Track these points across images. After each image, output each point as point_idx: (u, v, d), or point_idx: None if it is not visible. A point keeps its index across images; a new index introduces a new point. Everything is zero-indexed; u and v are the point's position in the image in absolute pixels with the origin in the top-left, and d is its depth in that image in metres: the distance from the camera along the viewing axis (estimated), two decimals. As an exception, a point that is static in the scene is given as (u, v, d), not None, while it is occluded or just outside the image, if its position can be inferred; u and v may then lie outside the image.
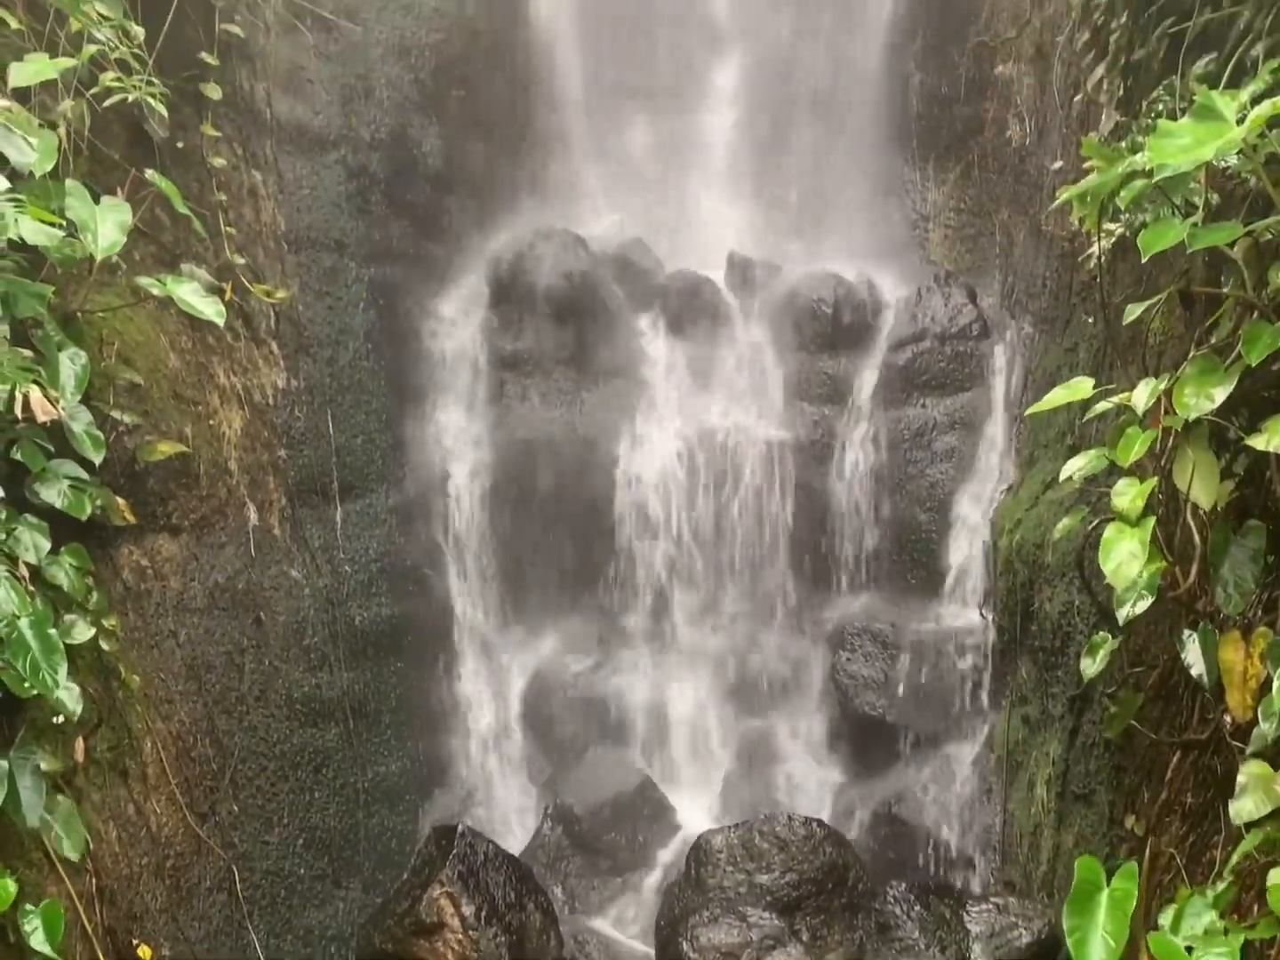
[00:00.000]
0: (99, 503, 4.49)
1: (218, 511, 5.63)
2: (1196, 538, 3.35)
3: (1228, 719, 3.24)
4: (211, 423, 5.60)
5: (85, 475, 4.38)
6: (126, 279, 5.00)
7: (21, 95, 4.40)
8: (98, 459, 4.37)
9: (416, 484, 7.13)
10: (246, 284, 6.00)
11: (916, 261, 7.58)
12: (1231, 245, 3.16)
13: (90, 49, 4.53)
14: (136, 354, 5.08)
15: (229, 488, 5.71)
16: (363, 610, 6.59)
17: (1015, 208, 6.81)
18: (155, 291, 4.62)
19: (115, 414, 4.80)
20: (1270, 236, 3.24)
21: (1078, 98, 5.51)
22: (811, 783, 6.91)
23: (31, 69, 4.27)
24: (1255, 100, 3.05)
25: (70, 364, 4.28)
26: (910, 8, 7.55)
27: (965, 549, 6.65)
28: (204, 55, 5.66)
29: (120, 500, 4.76)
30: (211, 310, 4.66)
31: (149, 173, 4.84)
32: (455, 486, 7.28)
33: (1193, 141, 2.75)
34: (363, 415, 6.83)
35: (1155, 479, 3.29)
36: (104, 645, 4.52)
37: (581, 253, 7.59)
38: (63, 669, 3.80)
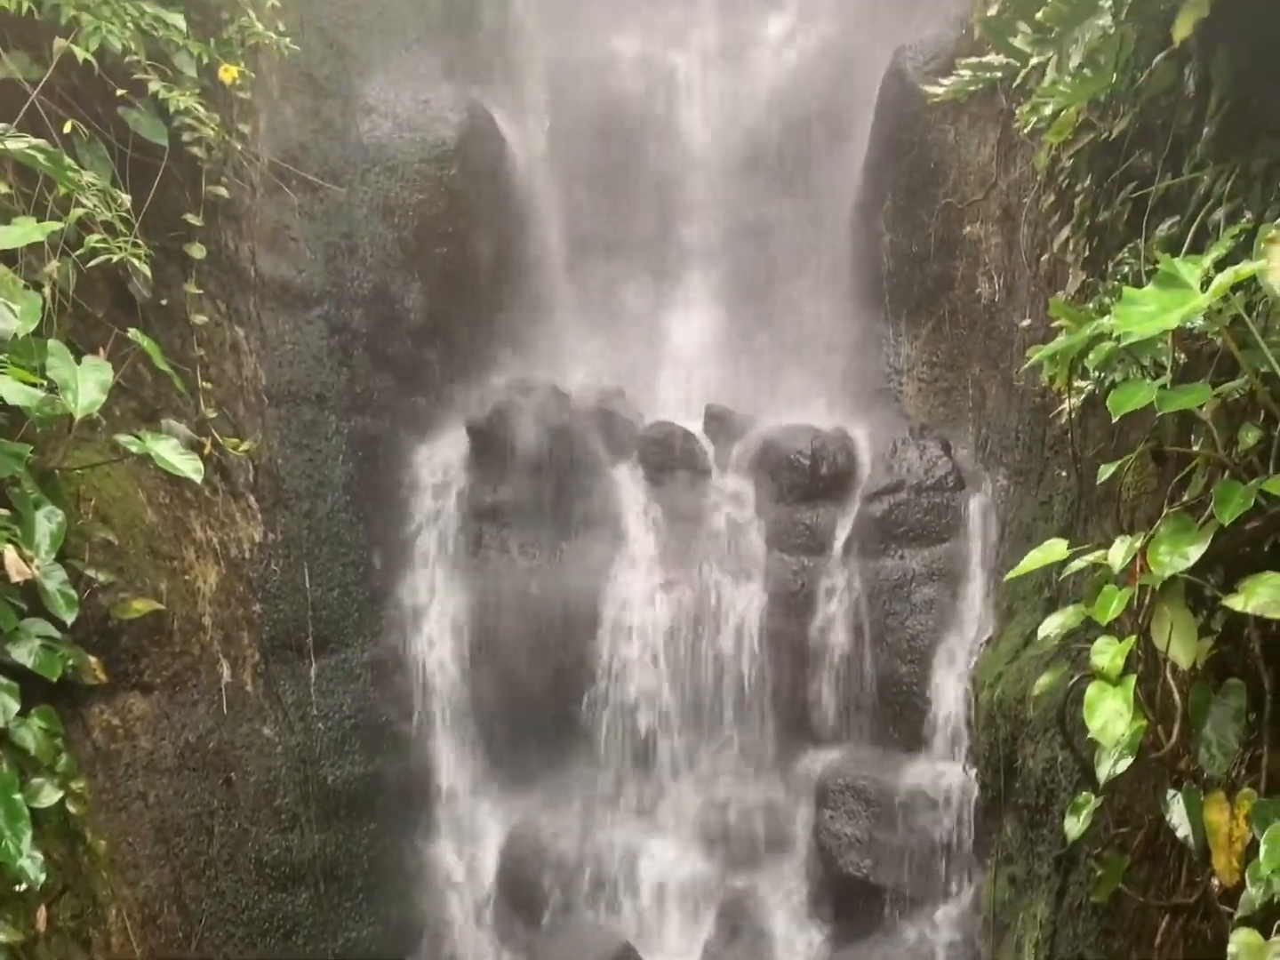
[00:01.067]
0: (71, 662, 4.43)
1: (190, 668, 5.56)
2: (1177, 696, 3.32)
3: (1215, 883, 3.17)
4: (187, 578, 5.57)
5: (57, 634, 4.33)
6: (106, 435, 5.02)
7: (8, 257, 4.47)
8: (70, 618, 4.33)
9: (392, 638, 7.08)
10: (225, 439, 6.03)
11: (892, 414, 7.68)
12: (1200, 406, 3.21)
13: (77, 212, 4.62)
14: (113, 510, 5.07)
15: (202, 644, 5.65)
16: (335, 769, 6.47)
17: (987, 362, 6.93)
18: (134, 449, 4.63)
19: (90, 571, 4.77)
20: (1238, 397, 3.28)
21: (1045, 257, 5.64)
22: (796, 945, 6.73)
23: (19, 232, 4.34)
24: (1218, 265, 3.12)
25: (46, 522, 4.26)
26: (879, 171, 7.77)
27: (947, 703, 6.60)
28: (189, 216, 5.78)
29: (92, 659, 4.70)
30: (189, 467, 4.67)
31: (131, 331, 4.89)
32: (432, 640, 7.23)
33: (1157, 309, 2.81)
34: (340, 568, 6.81)
35: (1134, 637, 3.28)
36: (71, 809, 4.41)
37: (561, 405, 7.68)
38: (27, 836, 3.71)
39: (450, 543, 7.46)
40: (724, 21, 9.29)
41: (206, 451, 5.71)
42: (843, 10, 8.85)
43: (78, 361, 4.40)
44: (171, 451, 4.67)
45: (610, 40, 9.26)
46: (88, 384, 4.28)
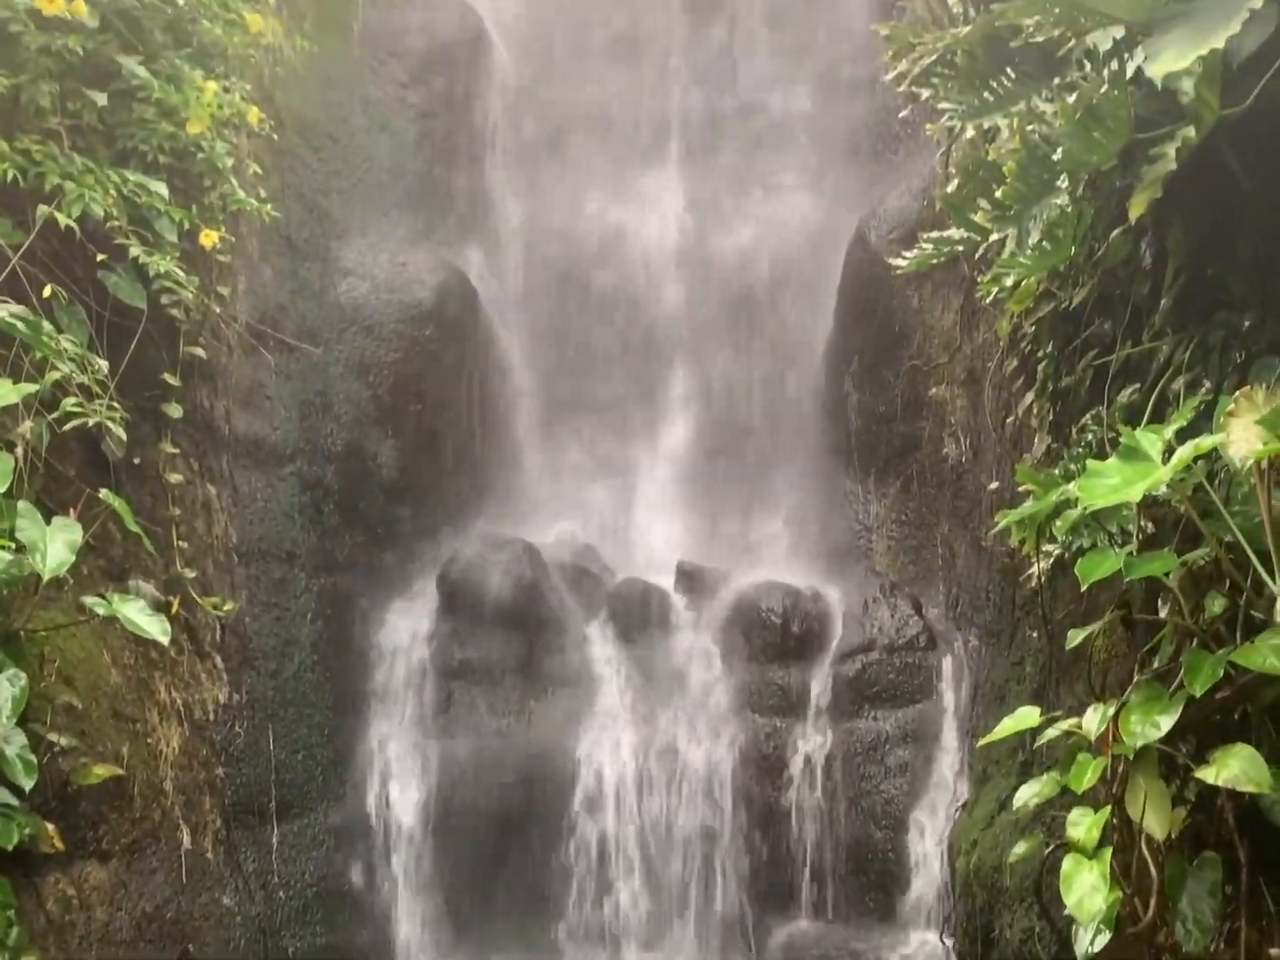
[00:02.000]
0: (27, 830, 4.32)
1: (150, 835, 5.41)
2: (1153, 868, 3.28)
3: (1200, 1061, 3.10)
4: (149, 741, 5.46)
5: (15, 801, 4.22)
6: (73, 595, 4.98)
7: (-19, 418, 4.49)
8: (29, 784, 4.22)
9: (357, 801, 6.93)
10: (194, 597, 5.98)
11: (863, 571, 7.71)
12: (1167, 573, 3.23)
13: (54, 375, 4.65)
14: (77, 671, 5.00)
15: (163, 809, 5.51)
16: (297, 940, 6.28)
17: (955, 521, 6.99)
18: (100, 611, 4.59)
19: (51, 736, 4.68)
20: (1203, 564, 3.32)
21: (1010, 420, 5.74)
22: None
23: (-6, 394, 4.37)
24: (1179, 435, 3.19)
25: (9, 686, 4.19)
26: (846, 333, 7.95)
27: (922, 870, 6.49)
28: (166, 376, 5.82)
29: (50, 826, 4.57)
30: (157, 629, 4.63)
31: (103, 492, 4.88)
32: (397, 804, 7.07)
33: (1121, 482, 2.85)
34: (305, 729, 6.70)
35: (1109, 807, 3.25)
36: (19, 985, 4.25)
37: (533, 561, 7.67)
38: (-29, 1017, 3.56)
39: (418, 702, 7.36)
40: (694, 186, 9.55)
41: (174, 611, 5.66)
42: (811, 177, 9.14)
43: (47, 521, 4.39)
44: (139, 613, 4.62)
45: (582, 203, 9.49)
46: (56, 545, 4.26)
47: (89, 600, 4.66)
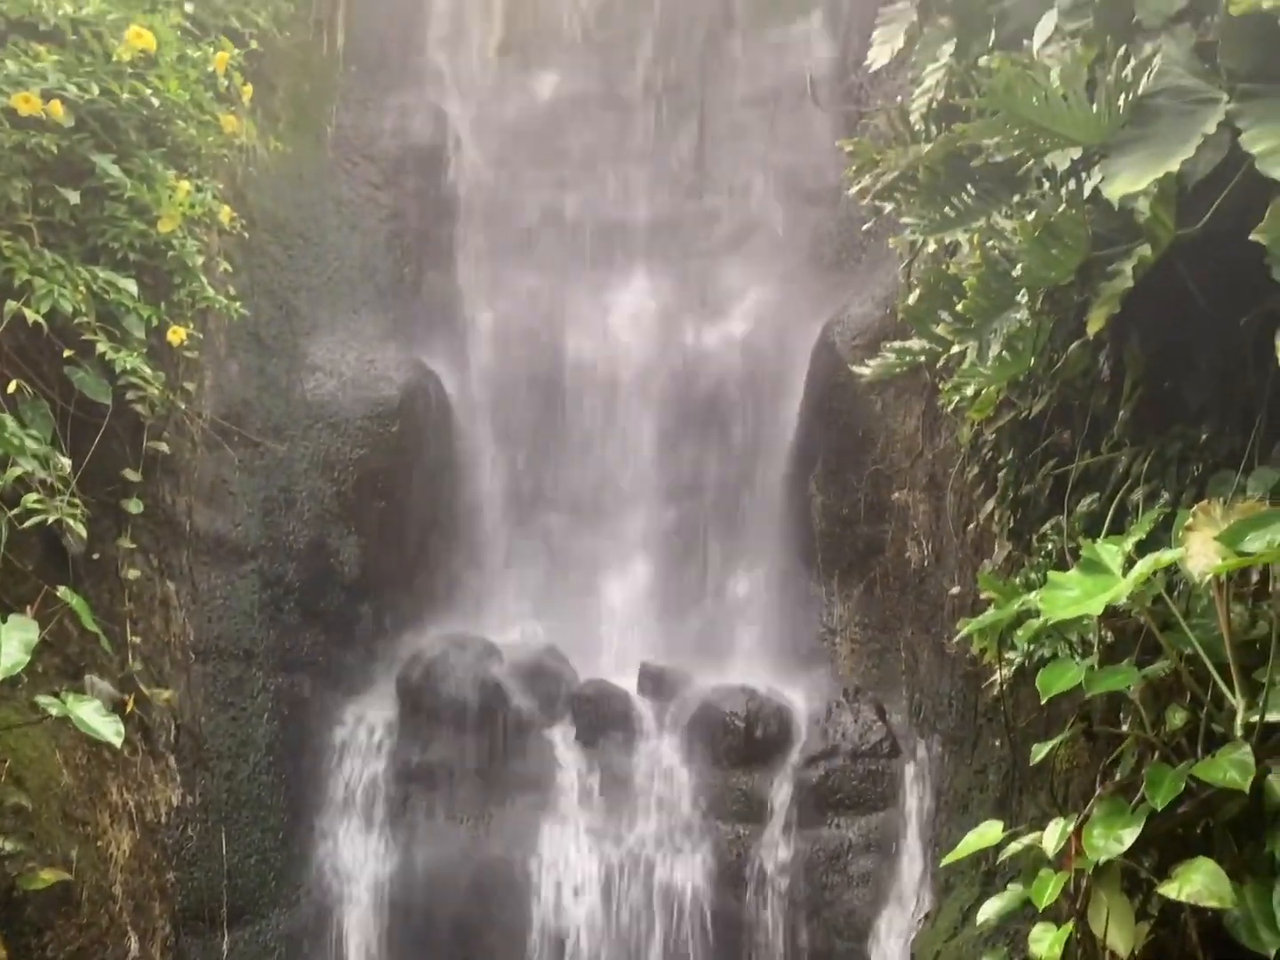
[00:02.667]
0: (-34, 938, 4.20)
1: (97, 941, 5.26)
2: (1118, 985, 3.25)
3: None
4: (99, 844, 5.34)
5: (-45, 908, 4.11)
6: (27, 693, 4.90)
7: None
8: (-29, 890, 4.12)
9: (311, 907, 6.77)
10: (149, 696, 5.90)
11: (826, 675, 7.69)
12: (1128, 686, 3.25)
13: (15, 471, 4.62)
14: (28, 772, 4.90)
15: (111, 915, 5.37)
16: (246, 1051, 6.10)
17: (918, 626, 7.00)
18: (54, 711, 4.50)
19: (-2, 840, 4.58)
20: (1164, 676, 3.33)
21: (971, 526, 5.79)
22: None
23: (-47, 490, 4.34)
24: (1139, 548, 3.22)
25: (-46, 787, 4.10)
26: (811, 436, 8.01)
27: (884, 982, 6.40)
28: (128, 472, 5.80)
29: (-9, 934, 4.45)
30: (110, 731, 4.53)
31: (61, 590, 4.83)
32: (352, 912, 6.92)
33: (1081, 594, 2.88)
34: (259, 833, 6.57)
35: (1071, 923, 3.22)
36: None
37: (494, 661, 7.61)
38: None
39: (375, 806, 7.24)
40: (661, 288, 9.66)
41: (129, 709, 5.57)
42: (776, 282, 9.27)
43: (3, 619, 4.33)
44: (93, 714, 4.53)
45: (550, 303, 9.58)
46: (12, 644, 4.19)
47: (43, 700, 4.58)
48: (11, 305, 5.02)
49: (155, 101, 5.91)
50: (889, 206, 4.77)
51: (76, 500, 5.02)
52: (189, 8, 6.84)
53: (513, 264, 9.60)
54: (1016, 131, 3.32)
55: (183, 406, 6.29)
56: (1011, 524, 5.07)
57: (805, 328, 8.36)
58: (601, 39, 10.12)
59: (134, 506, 5.84)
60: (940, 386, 5.32)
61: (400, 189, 9.13)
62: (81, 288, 5.34)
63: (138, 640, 5.90)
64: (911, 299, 4.81)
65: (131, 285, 5.53)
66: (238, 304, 6.48)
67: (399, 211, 9.07)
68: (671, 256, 9.63)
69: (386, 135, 9.20)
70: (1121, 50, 3.21)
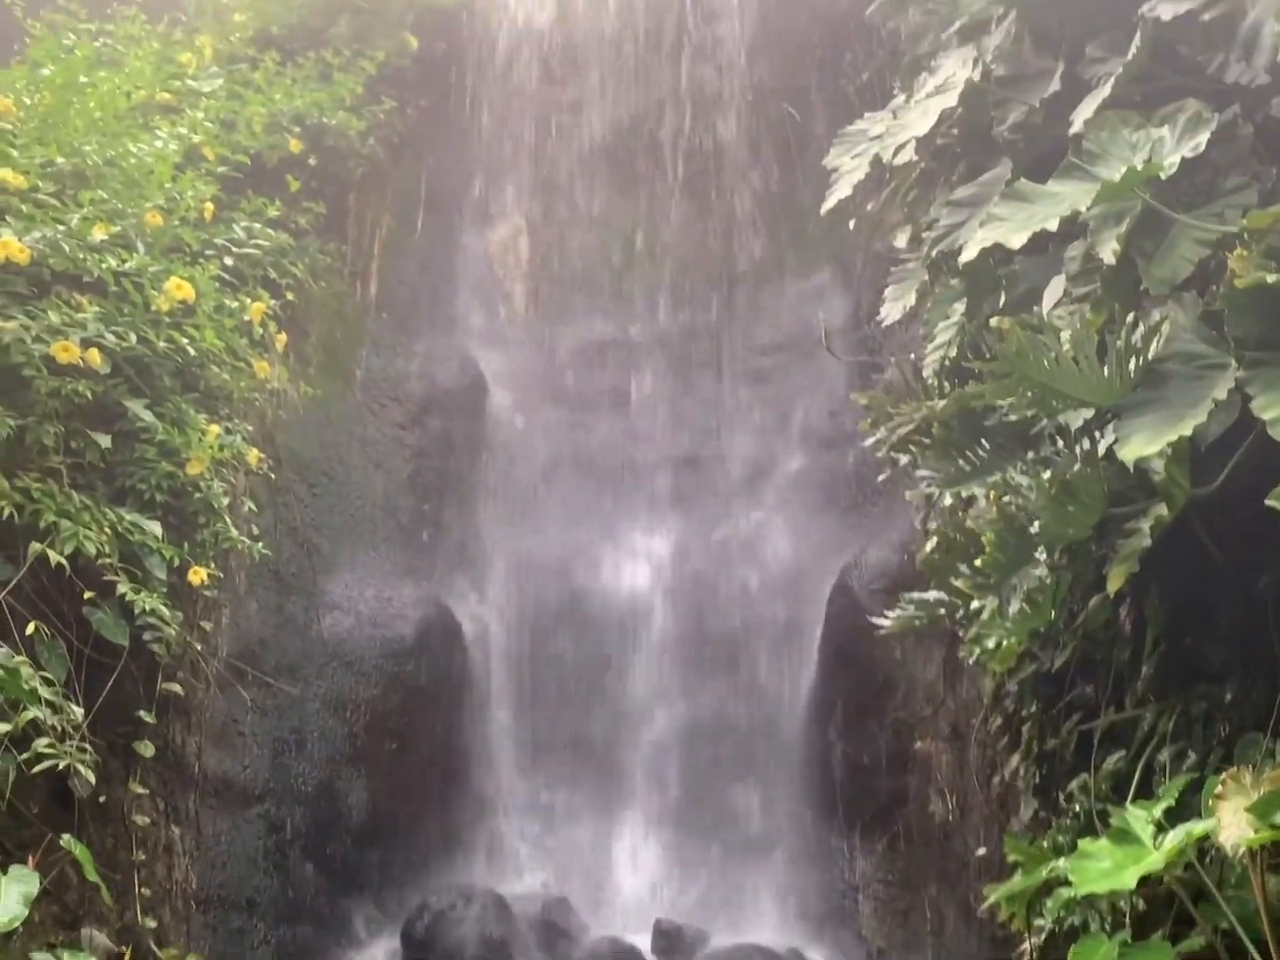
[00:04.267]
0: None
1: None
2: None
3: None
4: None
5: None
6: (21, 944, 4.72)
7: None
8: None
9: None
10: (150, 946, 5.69)
11: (848, 935, 7.38)
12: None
13: (28, 714, 4.59)
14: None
15: None
16: None
17: (944, 884, 6.76)
18: (47, 972, 4.36)
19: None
20: (1199, 950, 3.20)
21: (996, 780, 5.65)
22: None
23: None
24: (1168, 814, 3.14)
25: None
26: (830, 681, 7.92)
27: None
28: (141, 713, 5.75)
29: None
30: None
31: (65, 838, 4.73)
32: None
33: (1113, 866, 2.79)
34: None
35: None
36: None
37: (502, 916, 7.33)
38: None
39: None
40: (679, 527, 9.73)
41: (125, 961, 5.38)
42: (793, 524, 9.33)
43: (4, 867, 4.23)
44: (86, 974, 4.39)
45: (569, 541, 9.64)
46: (10, 897, 4.08)
47: (38, 957, 4.45)
48: (36, 547, 5.07)
49: (191, 350, 6.10)
50: (904, 459, 4.84)
51: (87, 745, 4.96)
52: (228, 260, 7.13)
53: (532, 502, 9.72)
54: (1029, 393, 3.39)
55: (199, 647, 6.27)
56: (1037, 779, 4.96)
57: (823, 570, 8.37)
58: (625, 288, 10.49)
59: (145, 749, 5.76)
60: (960, 634, 5.28)
61: (424, 430, 9.33)
62: (107, 529, 5.40)
63: (141, 889, 5.73)
64: (929, 546, 4.84)
65: (156, 528, 5.59)
66: (259, 545, 6.54)
67: (422, 451, 9.25)
68: (690, 497, 9.74)
69: (413, 378, 9.46)
70: (1130, 316, 3.31)
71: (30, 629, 4.96)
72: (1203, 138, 3.31)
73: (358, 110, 8.97)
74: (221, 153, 7.76)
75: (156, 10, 9.18)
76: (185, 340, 6.09)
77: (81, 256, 5.86)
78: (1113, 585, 3.49)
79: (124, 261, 6.06)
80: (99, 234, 6.05)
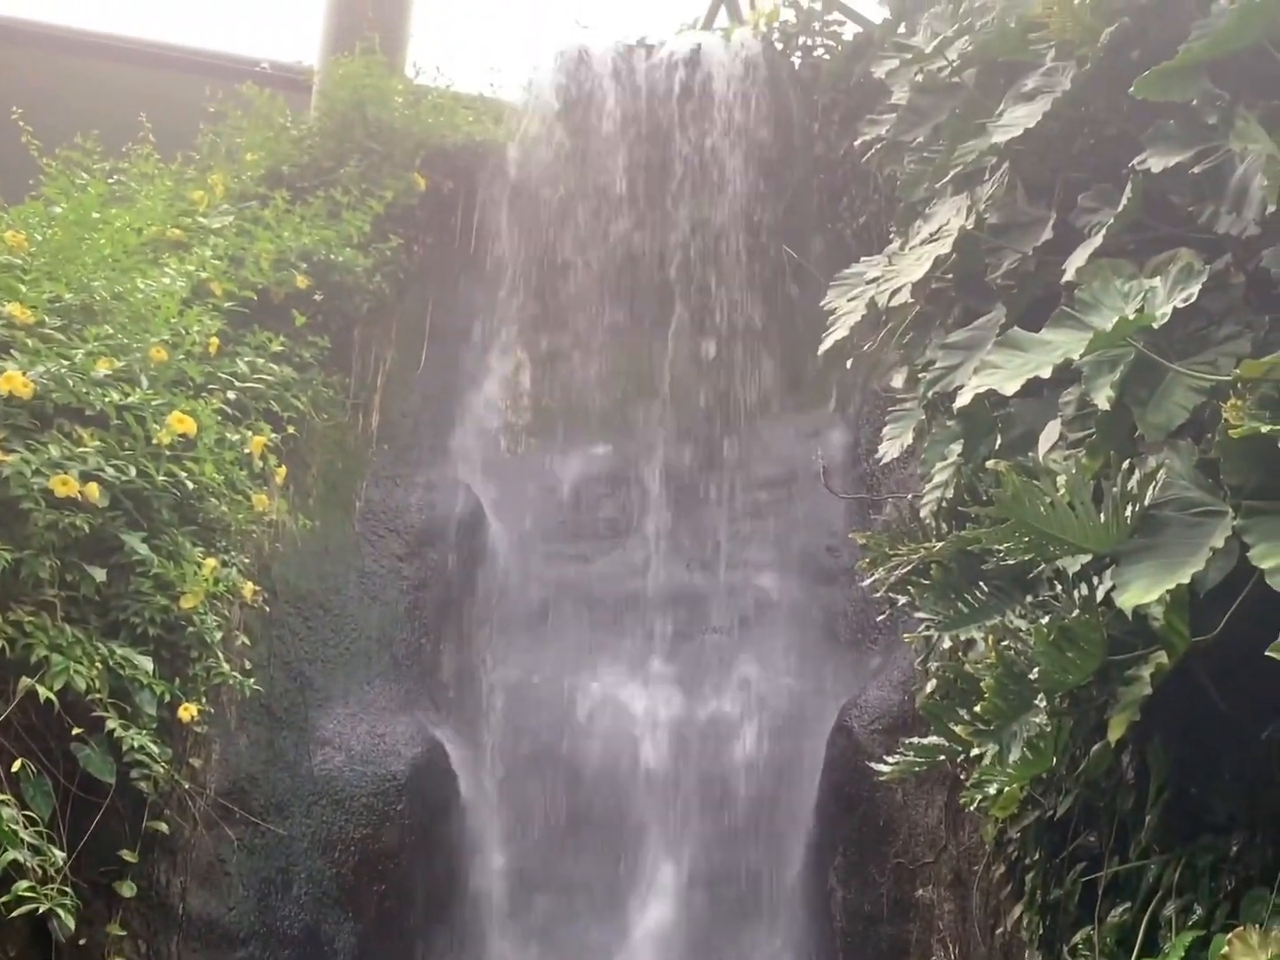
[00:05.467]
0: None
1: None
2: None
3: None
4: None
5: None
6: None
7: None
8: None
9: None
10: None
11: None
12: None
13: (9, 855, 4.49)
14: None
15: None
16: None
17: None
18: None
19: None
20: None
21: (999, 930, 5.52)
22: None
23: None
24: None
25: None
26: (830, 824, 7.76)
27: None
28: (125, 853, 5.63)
29: None
30: None
31: (39, 984, 4.60)
32: None
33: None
34: None
35: None
36: None
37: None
38: None
39: None
40: (677, 662, 9.64)
41: None
42: (794, 659, 9.24)
43: (-28, 1018, 4.11)
44: None
45: (566, 676, 9.55)
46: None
47: None
48: (26, 683, 5.02)
49: (190, 484, 6.11)
50: (903, 599, 4.82)
51: (68, 888, 4.85)
52: (231, 394, 7.19)
53: (529, 637, 9.64)
54: (1026, 539, 3.38)
55: (187, 784, 6.16)
56: (1040, 931, 4.85)
57: (822, 708, 8.28)
58: (626, 422, 10.57)
59: (127, 890, 5.63)
60: (962, 777, 5.20)
61: (423, 561, 9.29)
62: (98, 663, 5.35)
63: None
64: (929, 688, 4.79)
65: (148, 663, 5.54)
66: (251, 680, 6.48)
67: (420, 583, 9.19)
68: (688, 632, 9.66)
69: (413, 510, 9.45)
70: (1126, 463, 3.32)
71: (16, 766, 4.89)
72: (1194, 288, 3.35)
73: (365, 247, 9.11)
74: (229, 288, 7.88)
75: (170, 149, 9.42)
76: (184, 474, 6.11)
77: (84, 391, 5.91)
78: (1114, 734, 3.44)
79: (127, 395, 6.11)
80: (103, 368, 6.12)
